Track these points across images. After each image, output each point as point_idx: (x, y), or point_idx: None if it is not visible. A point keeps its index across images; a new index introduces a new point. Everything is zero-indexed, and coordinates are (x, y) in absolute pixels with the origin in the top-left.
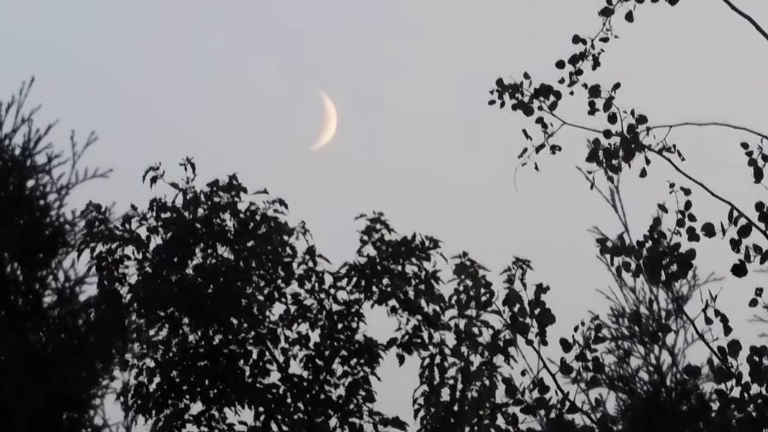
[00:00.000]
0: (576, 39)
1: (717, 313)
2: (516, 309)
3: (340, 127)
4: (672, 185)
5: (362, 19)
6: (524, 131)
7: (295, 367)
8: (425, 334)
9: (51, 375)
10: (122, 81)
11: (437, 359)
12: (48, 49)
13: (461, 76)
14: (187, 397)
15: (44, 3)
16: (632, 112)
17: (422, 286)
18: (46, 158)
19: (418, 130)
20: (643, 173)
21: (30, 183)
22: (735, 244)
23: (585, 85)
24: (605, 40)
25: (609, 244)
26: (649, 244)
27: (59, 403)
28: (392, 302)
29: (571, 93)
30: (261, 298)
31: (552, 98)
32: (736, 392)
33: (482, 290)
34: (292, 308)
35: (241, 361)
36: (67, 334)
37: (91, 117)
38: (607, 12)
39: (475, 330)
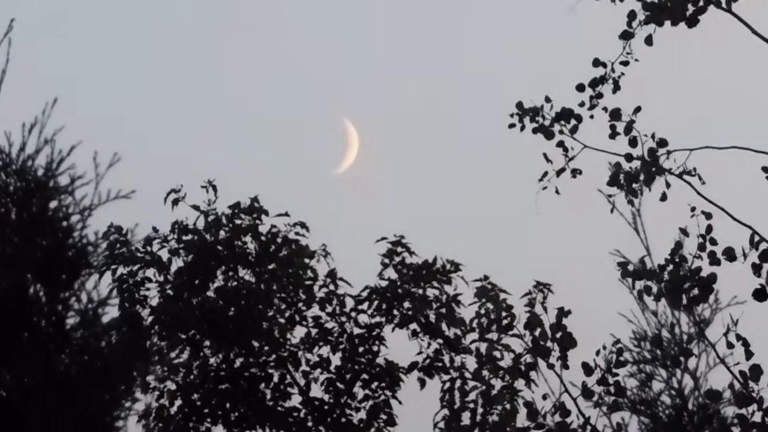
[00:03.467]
0: (596, 62)
1: (738, 337)
2: (537, 333)
3: (362, 151)
4: (693, 209)
5: (381, 45)
6: (545, 155)
7: (316, 391)
8: (446, 358)
9: (75, 397)
10: (145, 103)
11: (458, 383)
12: (71, 70)
13: (481, 99)
14: (209, 420)
15: (66, 24)
16: (653, 136)
17: (443, 310)
18: (69, 179)
19: (438, 153)
20: (664, 197)
21: (53, 204)
22: (756, 269)
23: (605, 109)
24: (625, 63)
25: (630, 267)
26: (670, 268)
27: (83, 425)
28: (413, 326)
29: (591, 117)
30: (282, 321)
31: (573, 122)
32: (757, 417)
33: (503, 314)
34: (313, 331)
35: (263, 384)
36: (91, 356)
37: (114, 138)
38: (627, 35)
39: (497, 354)
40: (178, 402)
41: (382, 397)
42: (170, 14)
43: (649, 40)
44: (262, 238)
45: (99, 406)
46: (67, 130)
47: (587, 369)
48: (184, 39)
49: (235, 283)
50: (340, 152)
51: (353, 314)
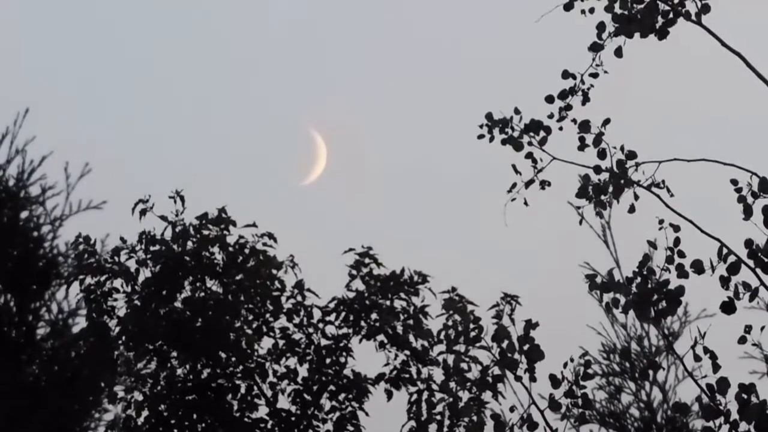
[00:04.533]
0: (565, 74)
1: (706, 350)
2: (505, 345)
3: (329, 162)
4: (661, 222)
5: (351, 57)
6: (513, 166)
7: (284, 402)
8: (413, 370)
9: (44, 407)
10: (114, 114)
11: (425, 395)
12: (42, 79)
13: (451, 110)
14: (175, 431)
15: (36, 33)
16: (621, 148)
17: (411, 321)
18: (39, 189)
19: (406, 165)
20: (632, 209)
21: (24, 214)
22: (724, 282)
23: (574, 121)
24: (595, 75)
25: (598, 280)
26: (638, 280)
27: None
28: (380, 337)
29: (561, 128)
30: (249, 332)
31: (542, 133)
32: (724, 430)
33: (471, 325)
34: (281, 342)
35: (230, 396)
36: (60, 367)
37: (84, 148)
38: (596, 47)
39: (464, 365)
40: (145, 413)
41: (349, 409)
42: (141, 24)
43: (618, 52)
44: (230, 248)
45: (68, 416)
46: (38, 141)
47: (555, 381)
48: (151, 50)
49: (202, 294)
50: (308, 164)
51: (320, 325)
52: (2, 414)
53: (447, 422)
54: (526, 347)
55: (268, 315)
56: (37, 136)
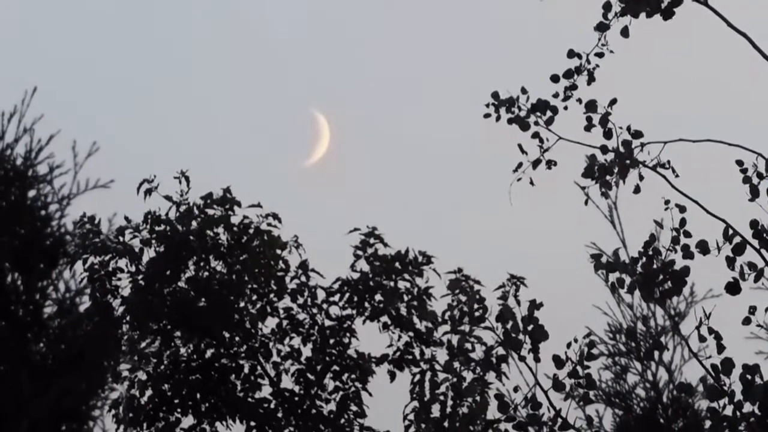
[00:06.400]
0: (571, 53)
1: (711, 330)
2: (509, 325)
3: (333, 142)
4: (667, 202)
5: (354, 36)
6: (520, 146)
7: (287, 382)
8: (417, 351)
9: (51, 385)
10: (120, 94)
11: (428, 375)
12: (47, 58)
13: (455, 91)
14: (179, 410)
15: (42, 12)
16: (628, 128)
17: (414, 303)
18: (47, 168)
19: (411, 145)
20: (637, 189)
21: (31, 193)
22: (730, 262)
23: (579, 100)
24: (600, 55)
25: (604, 260)
26: (643, 260)
27: (59, 413)
28: (384, 318)
29: (566, 108)
30: (253, 311)
31: (548, 113)
32: (728, 410)
33: (475, 306)
34: (285, 322)
35: (233, 375)
36: (67, 345)
37: (89, 127)
38: (602, 27)
39: (468, 346)
40: (149, 392)
41: (353, 389)
42: (146, 7)
43: (625, 32)
44: (234, 228)
45: (75, 394)
46: (46, 120)
47: (558, 362)
48: (153, 28)
49: (206, 274)
50: (311, 144)
51: (324, 306)
52: (9, 391)
53: (450, 402)
54: (530, 328)
55: (272, 295)
56: (44, 115)
